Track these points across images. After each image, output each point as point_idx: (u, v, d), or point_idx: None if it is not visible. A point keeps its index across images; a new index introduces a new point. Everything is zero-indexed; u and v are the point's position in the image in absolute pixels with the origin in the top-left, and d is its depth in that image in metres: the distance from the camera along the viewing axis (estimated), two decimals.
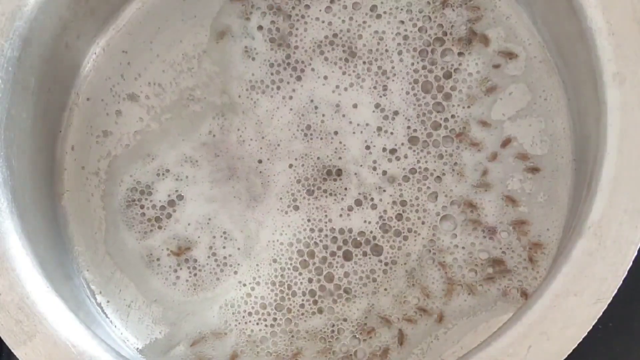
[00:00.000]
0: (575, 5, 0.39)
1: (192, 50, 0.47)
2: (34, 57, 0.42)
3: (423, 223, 0.45)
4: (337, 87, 0.46)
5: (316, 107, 0.46)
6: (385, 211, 0.45)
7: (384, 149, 0.45)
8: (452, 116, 0.45)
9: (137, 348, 0.45)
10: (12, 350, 0.37)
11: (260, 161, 0.46)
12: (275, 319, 0.44)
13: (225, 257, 0.45)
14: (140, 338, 0.45)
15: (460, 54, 0.45)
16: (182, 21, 0.47)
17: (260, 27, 0.46)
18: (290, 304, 0.45)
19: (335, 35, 0.46)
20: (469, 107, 0.45)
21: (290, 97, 0.46)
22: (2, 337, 0.37)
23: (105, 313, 0.45)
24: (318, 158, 0.46)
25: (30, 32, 0.41)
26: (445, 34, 0.46)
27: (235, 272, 0.45)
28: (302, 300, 0.45)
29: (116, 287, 0.46)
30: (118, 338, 0.45)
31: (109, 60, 0.47)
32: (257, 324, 0.45)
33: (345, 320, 0.44)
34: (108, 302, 0.45)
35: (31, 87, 0.42)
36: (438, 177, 0.45)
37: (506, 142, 0.45)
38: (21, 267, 0.38)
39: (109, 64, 0.47)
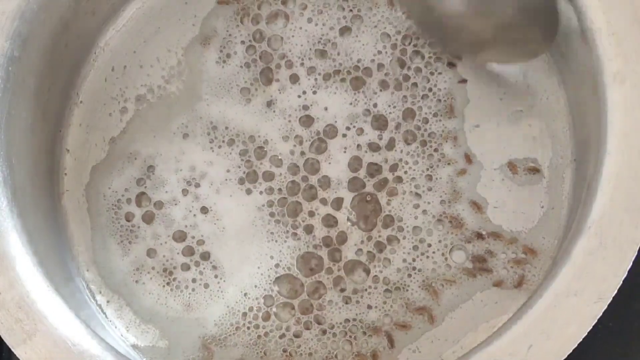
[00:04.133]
0: (575, 5, 0.39)
1: (189, 51, 0.47)
2: (34, 57, 0.42)
3: (404, 238, 0.44)
4: (306, 95, 0.46)
5: (291, 115, 0.46)
6: (367, 226, 0.45)
7: (365, 161, 0.45)
8: (431, 132, 0.45)
9: (138, 347, 0.45)
10: (12, 349, 0.37)
11: (239, 168, 0.46)
12: (269, 338, 0.44)
13: (209, 278, 0.45)
14: (141, 340, 0.45)
15: (435, 72, 0.46)
16: (183, 21, 0.47)
17: (242, 34, 0.46)
18: (281, 319, 0.44)
19: (316, 46, 0.46)
20: (449, 119, 0.45)
21: (267, 104, 0.46)
22: (2, 336, 0.37)
23: (105, 313, 0.45)
24: (296, 168, 0.45)
25: (30, 32, 0.41)
26: (420, 52, 0.46)
27: (222, 291, 0.45)
28: (291, 315, 0.44)
29: (113, 301, 0.46)
30: (118, 338, 0.45)
31: (109, 60, 0.47)
32: (252, 339, 0.44)
33: (332, 328, 0.44)
34: (108, 302, 0.45)
35: (31, 87, 0.42)
36: (418, 189, 0.45)
37: (468, 157, 0.45)
38: (21, 266, 0.38)
39: (109, 64, 0.47)
